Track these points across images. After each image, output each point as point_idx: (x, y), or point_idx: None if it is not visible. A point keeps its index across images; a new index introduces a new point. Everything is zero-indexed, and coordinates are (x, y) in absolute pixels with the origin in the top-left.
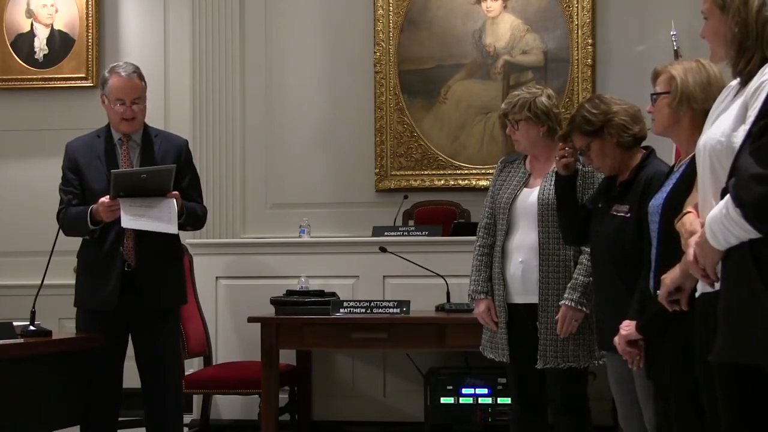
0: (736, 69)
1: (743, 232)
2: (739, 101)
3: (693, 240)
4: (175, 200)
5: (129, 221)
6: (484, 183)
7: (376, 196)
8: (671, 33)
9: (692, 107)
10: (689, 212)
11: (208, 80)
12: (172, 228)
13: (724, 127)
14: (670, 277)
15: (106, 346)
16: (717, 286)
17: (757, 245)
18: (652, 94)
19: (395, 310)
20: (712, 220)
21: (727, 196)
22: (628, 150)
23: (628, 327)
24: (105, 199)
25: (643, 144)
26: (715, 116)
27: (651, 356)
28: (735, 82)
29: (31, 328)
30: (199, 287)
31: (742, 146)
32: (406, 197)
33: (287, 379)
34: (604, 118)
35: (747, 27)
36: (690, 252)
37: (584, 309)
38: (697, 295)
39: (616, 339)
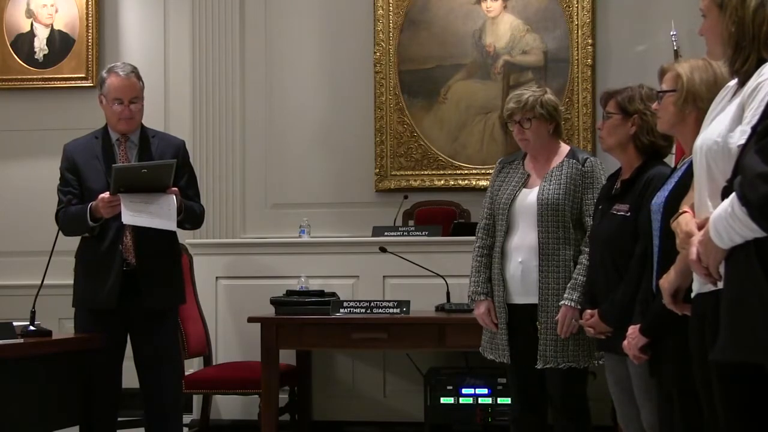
0: (732, 68)
1: (749, 231)
2: (736, 102)
3: (696, 239)
4: (174, 196)
5: (130, 217)
6: (484, 183)
7: (376, 196)
8: (671, 33)
9: (698, 106)
10: (685, 212)
11: (208, 80)
12: (171, 225)
13: (721, 127)
14: (667, 281)
15: (106, 346)
16: (720, 285)
17: (763, 244)
18: (658, 92)
19: (395, 310)
20: (717, 219)
21: (733, 195)
22: (636, 148)
23: (634, 333)
24: (105, 195)
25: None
26: (712, 117)
27: (654, 354)
28: (733, 83)
29: (31, 328)
30: (199, 287)
31: (746, 145)
32: (406, 197)
33: (287, 379)
34: (642, 109)
35: (744, 26)
36: (693, 251)
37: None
38: (693, 294)
39: (625, 344)
